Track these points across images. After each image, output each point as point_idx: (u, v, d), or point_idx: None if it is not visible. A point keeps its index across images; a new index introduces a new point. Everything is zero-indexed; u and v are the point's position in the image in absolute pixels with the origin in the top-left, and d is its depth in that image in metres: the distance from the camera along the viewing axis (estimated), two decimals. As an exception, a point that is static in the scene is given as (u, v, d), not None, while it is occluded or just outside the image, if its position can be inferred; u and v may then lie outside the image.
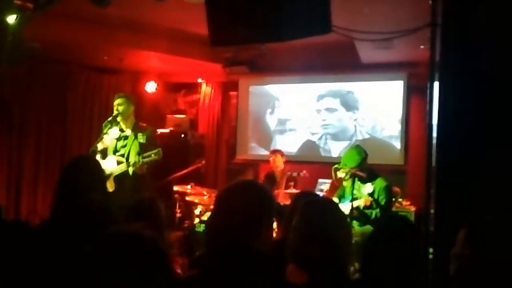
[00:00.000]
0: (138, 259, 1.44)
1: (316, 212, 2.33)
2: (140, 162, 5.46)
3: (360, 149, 5.59)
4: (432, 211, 3.38)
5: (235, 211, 2.00)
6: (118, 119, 5.73)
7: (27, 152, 7.84)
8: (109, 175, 5.45)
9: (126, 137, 5.73)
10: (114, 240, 1.48)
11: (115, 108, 5.74)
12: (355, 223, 5.30)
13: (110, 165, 5.54)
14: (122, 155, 5.66)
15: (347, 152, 5.73)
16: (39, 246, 2.35)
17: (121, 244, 1.46)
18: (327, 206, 2.44)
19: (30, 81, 7.75)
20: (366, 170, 5.45)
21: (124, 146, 5.71)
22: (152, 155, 5.46)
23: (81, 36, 6.77)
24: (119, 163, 5.58)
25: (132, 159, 5.54)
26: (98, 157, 5.47)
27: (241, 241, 1.96)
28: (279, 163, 7.26)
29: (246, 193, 2.08)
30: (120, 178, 5.56)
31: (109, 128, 5.68)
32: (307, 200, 2.48)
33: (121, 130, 5.74)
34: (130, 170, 5.55)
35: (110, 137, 5.70)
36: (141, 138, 5.70)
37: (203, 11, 3.93)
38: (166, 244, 2.62)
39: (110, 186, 5.43)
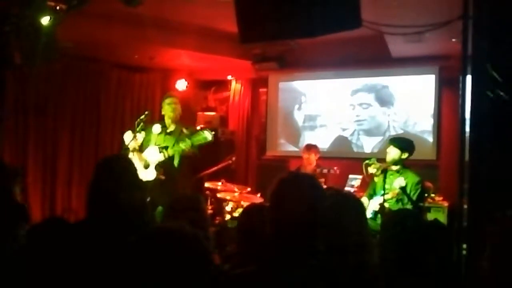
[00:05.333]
0: (180, 256, 1.44)
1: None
2: (191, 144, 5.49)
3: (408, 141, 5.58)
4: (465, 206, 3.33)
5: (305, 208, 1.93)
6: (166, 118, 5.91)
7: (61, 150, 7.98)
8: (149, 165, 5.55)
9: (169, 133, 5.83)
10: (156, 237, 1.48)
11: (167, 107, 5.87)
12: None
13: (151, 154, 5.63)
14: (165, 147, 5.73)
15: (393, 138, 5.77)
16: (77, 244, 2.38)
17: (164, 241, 1.46)
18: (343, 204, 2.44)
19: (63, 80, 7.89)
20: (399, 165, 5.42)
21: (168, 139, 5.81)
22: (202, 139, 5.46)
23: (112, 35, 6.86)
24: (160, 151, 5.65)
25: (182, 144, 5.55)
26: (130, 155, 5.56)
27: (305, 240, 1.92)
28: (312, 161, 7.22)
29: (313, 190, 2.02)
30: (164, 167, 5.63)
31: (143, 127, 5.78)
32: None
33: (164, 127, 5.86)
34: (176, 161, 5.62)
35: (154, 131, 5.81)
36: (186, 130, 5.80)
37: (232, 8, 3.93)
38: (209, 242, 2.61)
39: (154, 174, 5.53)
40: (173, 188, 5.58)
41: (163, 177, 5.60)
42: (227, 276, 2.01)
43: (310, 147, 7.38)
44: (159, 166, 5.61)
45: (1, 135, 6.71)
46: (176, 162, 5.67)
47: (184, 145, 5.49)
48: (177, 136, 5.75)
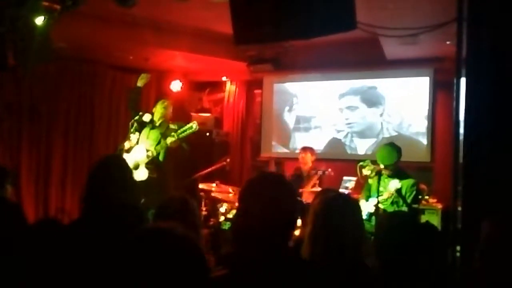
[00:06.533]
0: (172, 257, 1.43)
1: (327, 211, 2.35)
2: (177, 138, 5.55)
3: (395, 146, 5.51)
4: (459, 208, 3.34)
5: (272, 207, 1.93)
6: (156, 115, 5.99)
7: (55, 151, 7.96)
8: (138, 166, 5.55)
9: (153, 127, 5.86)
10: (147, 238, 1.48)
11: (160, 106, 5.89)
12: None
13: (137, 153, 5.63)
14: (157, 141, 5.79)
15: (381, 150, 5.61)
16: (70, 245, 2.38)
17: (155, 242, 1.46)
18: (341, 204, 2.45)
19: (57, 81, 7.87)
20: (394, 168, 5.40)
21: (152, 133, 5.85)
22: (187, 129, 5.57)
23: (107, 36, 6.85)
24: (147, 151, 5.65)
25: (169, 139, 5.62)
26: (125, 155, 5.56)
27: (278, 239, 1.91)
28: (308, 161, 7.20)
29: (280, 188, 2.01)
30: (152, 165, 5.65)
31: (135, 129, 5.79)
32: (323, 199, 2.49)
33: (152, 122, 5.95)
34: (161, 155, 5.64)
35: (145, 119, 5.92)
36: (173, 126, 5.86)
37: (227, 9, 3.94)
38: (201, 243, 2.60)
39: (146, 174, 5.54)
40: (165, 187, 5.59)
41: (154, 175, 5.62)
42: (216, 277, 2.01)
43: (306, 148, 7.38)
44: (149, 165, 5.63)
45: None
46: (161, 157, 5.68)
47: (170, 140, 5.56)
48: (163, 131, 5.79)
